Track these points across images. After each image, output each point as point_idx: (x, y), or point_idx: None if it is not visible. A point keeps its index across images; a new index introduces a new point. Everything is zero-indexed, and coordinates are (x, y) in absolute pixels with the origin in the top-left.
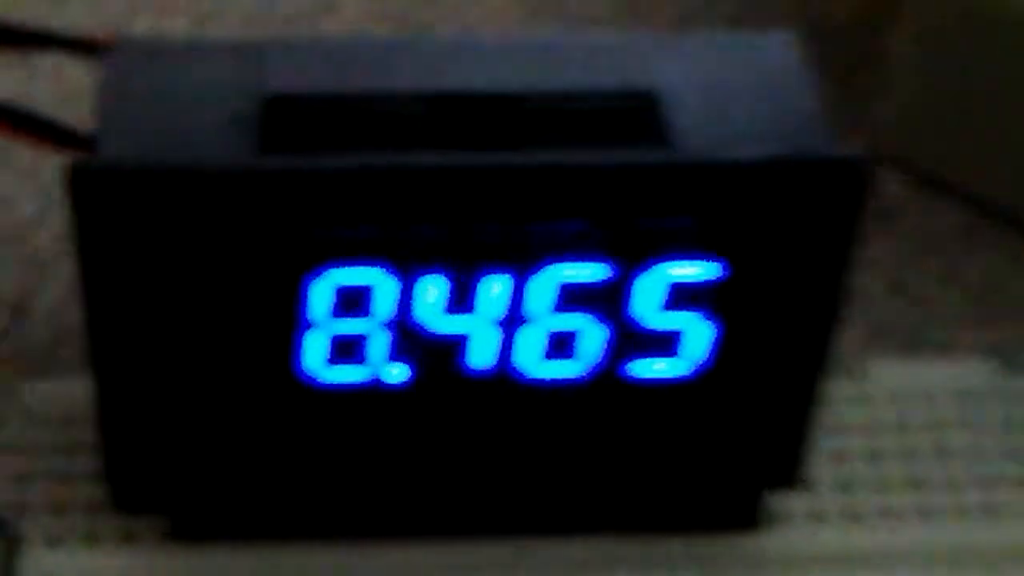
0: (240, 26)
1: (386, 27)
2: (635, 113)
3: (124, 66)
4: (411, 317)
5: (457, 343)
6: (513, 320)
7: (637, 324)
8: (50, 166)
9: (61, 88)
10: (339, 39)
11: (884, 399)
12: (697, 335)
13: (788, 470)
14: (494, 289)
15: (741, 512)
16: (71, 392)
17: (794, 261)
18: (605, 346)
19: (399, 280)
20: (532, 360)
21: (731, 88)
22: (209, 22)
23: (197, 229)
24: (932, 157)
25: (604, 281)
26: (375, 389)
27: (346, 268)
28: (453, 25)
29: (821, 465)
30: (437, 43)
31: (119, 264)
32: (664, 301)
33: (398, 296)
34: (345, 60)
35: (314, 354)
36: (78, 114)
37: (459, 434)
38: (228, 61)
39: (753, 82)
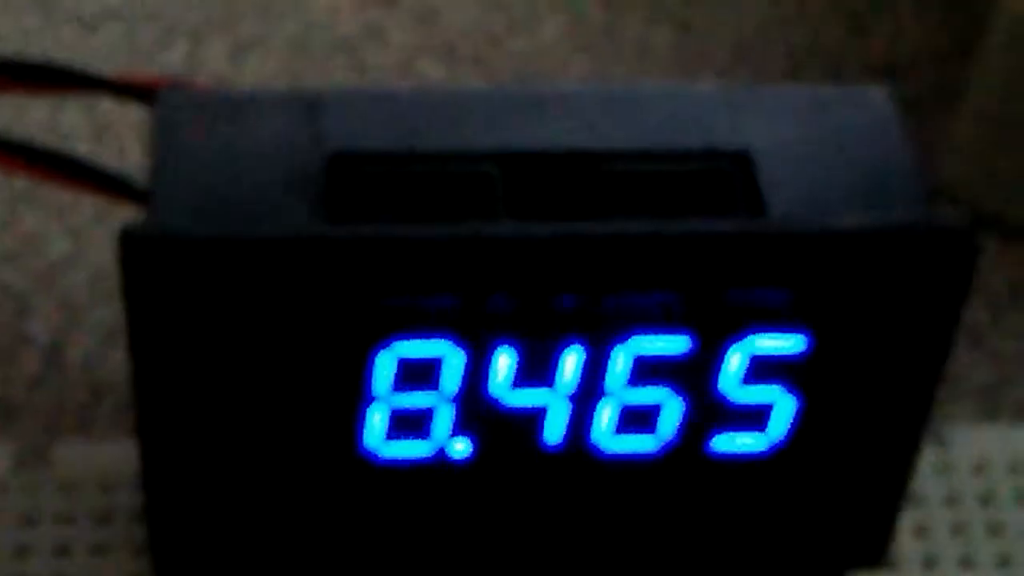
0: (282, 55)
1: (434, 58)
2: (726, 176)
3: (176, 118)
4: (480, 390)
5: (528, 417)
6: (588, 394)
7: (718, 398)
8: (83, 203)
9: (93, 121)
10: (404, 90)
11: (967, 468)
12: (780, 409)
13: (872, 549)
14: (569, 362)
15: None
16: (110, 454)
17: (891, 334)
18: (684, 420)
19: (468, 352)
20: (606, 434)
21: (826, 149)
22: (249, 50)
23: (257, 298)
24: (1011, 203)
25: (685, 354)
26: (439, 464)
27: (413, 340)
28: (503, 58)
29: (903, 540)
30: (509, 95)
31: (173, 334)
32: (747, 374)
33: (466, 369)
34: (411, 113)
35: (375, 428)
36: (110, 148)
37: (528, 511)
38: (285, 113)
39: (848, 142)
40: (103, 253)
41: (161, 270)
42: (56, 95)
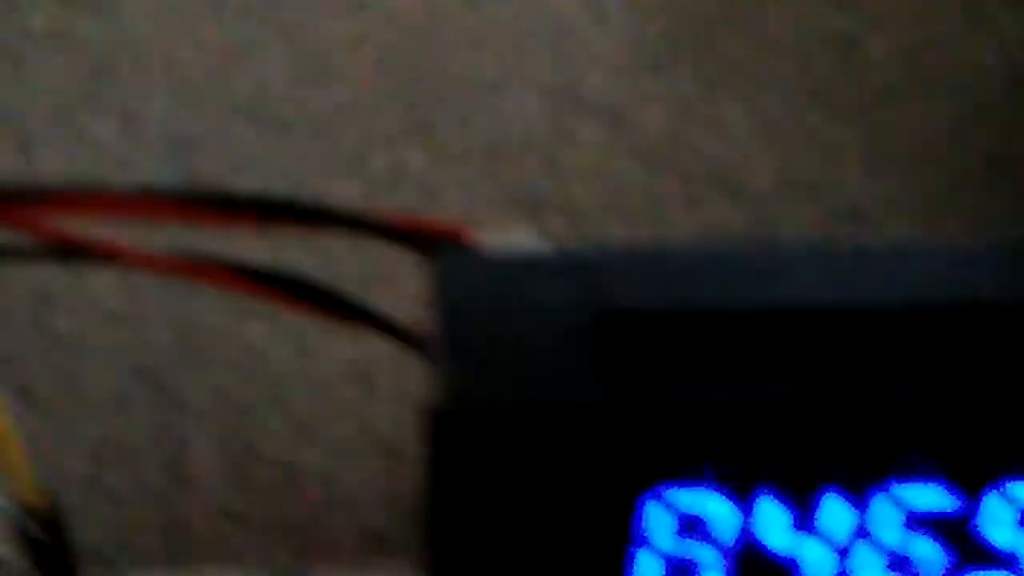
0: (479, 159)
1: (627, 160)
2: (995, 333)
3: (455, 278)
4: (746, 539)
5: (792, 565)
6: (851, 542)
7: (982, 545)
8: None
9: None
10: (682, 249)
11: None
12: None
13: None
14: (833, 512)
15: None
16: None
17: None
18: (947, 566)
19: (736, 504)
20: None
21: None
22: (444, 152)
23: (544, 460)
24: None
25: (949, 505)
26: None
27: (684, 491)
28: (696, 158)
29: None
30: (773, 250)
31: (469, 494)
32: (1014, 522)
33: (734, 520)
34: (686, 272)
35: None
36: (325, 262)
37: None
38: (566, 274)
39: None
40: (326, 366)
41: (466, 440)
42: (324, 234)
